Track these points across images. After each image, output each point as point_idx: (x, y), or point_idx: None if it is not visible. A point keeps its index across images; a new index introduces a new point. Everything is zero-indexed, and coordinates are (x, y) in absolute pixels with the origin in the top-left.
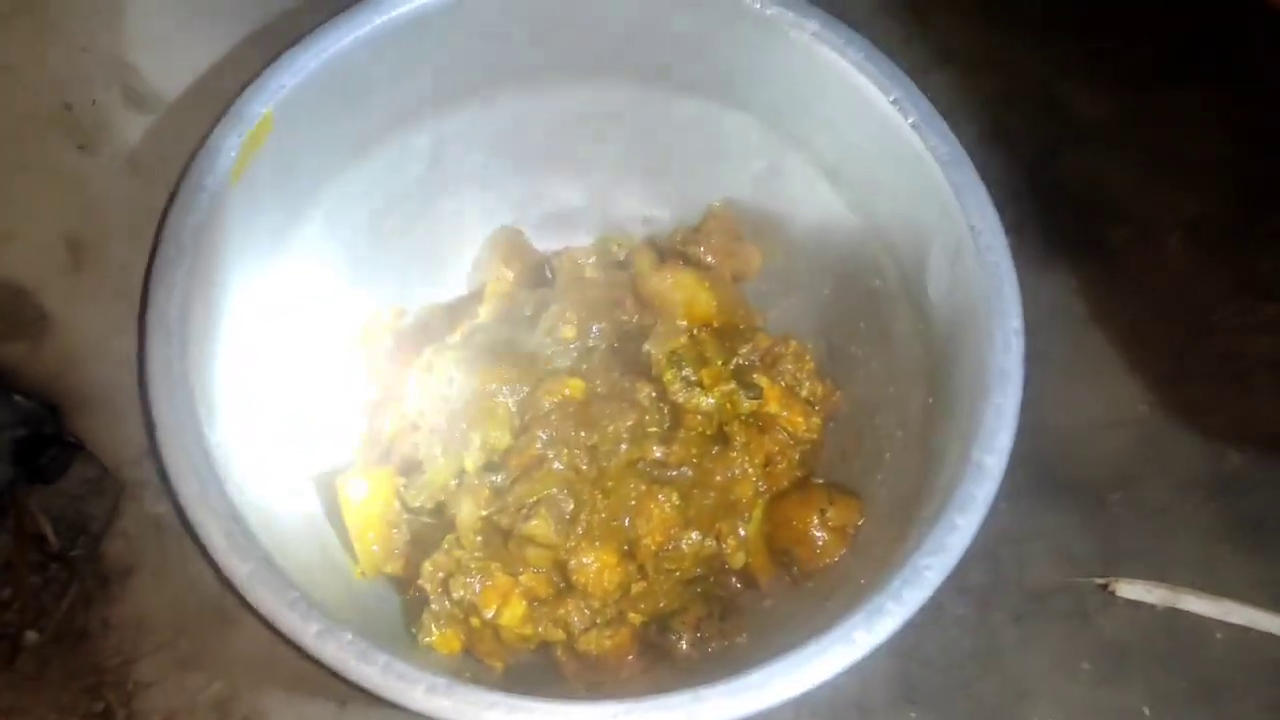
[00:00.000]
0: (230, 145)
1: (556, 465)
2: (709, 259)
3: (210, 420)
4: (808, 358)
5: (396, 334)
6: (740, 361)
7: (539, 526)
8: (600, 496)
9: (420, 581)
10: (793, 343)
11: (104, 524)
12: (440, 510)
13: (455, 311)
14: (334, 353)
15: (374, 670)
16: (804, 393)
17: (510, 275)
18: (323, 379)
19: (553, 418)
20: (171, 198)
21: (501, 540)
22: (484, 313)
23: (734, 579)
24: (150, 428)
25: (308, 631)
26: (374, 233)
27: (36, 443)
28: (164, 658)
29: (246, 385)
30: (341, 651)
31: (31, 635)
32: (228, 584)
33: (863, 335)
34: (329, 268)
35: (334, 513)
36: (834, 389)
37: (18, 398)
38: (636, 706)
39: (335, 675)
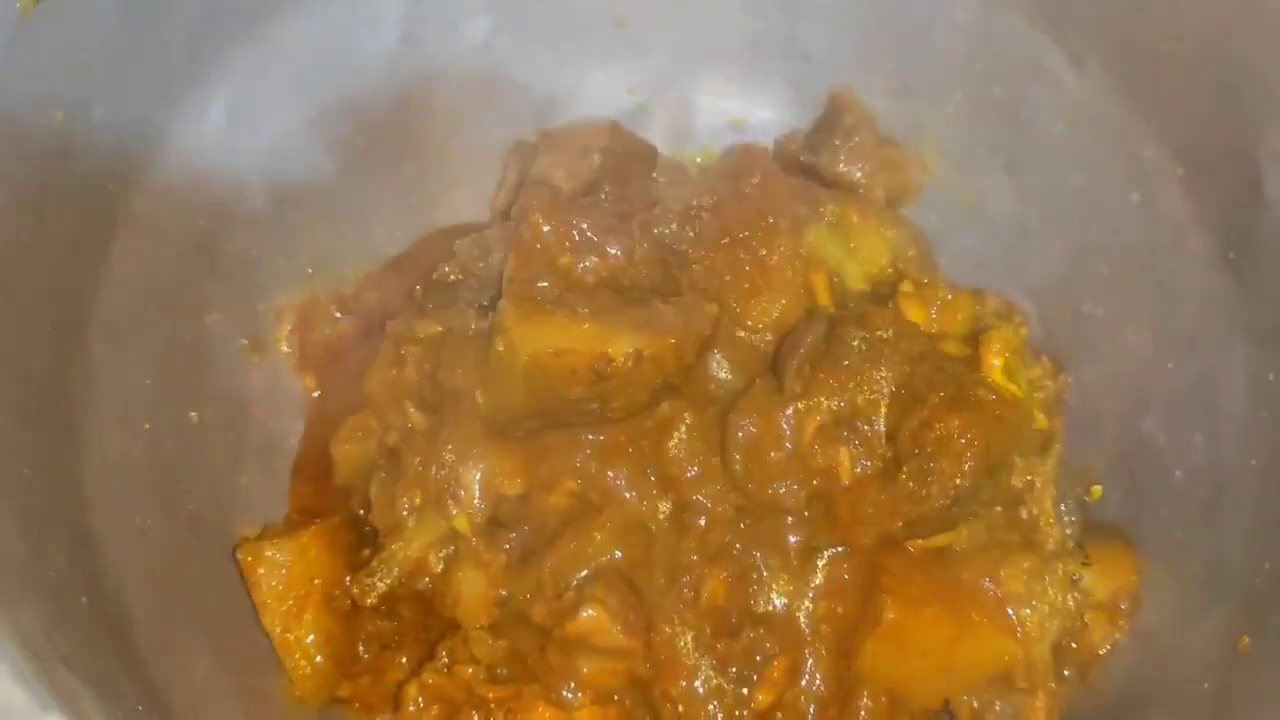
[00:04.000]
0: None
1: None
2: (854, 173)
3: None
4: (1018, 320)
5: (347, 312)
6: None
7: (597, 620)
8: (701, 562)
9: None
10: (991, 299)
11: None
12: (424, 603)
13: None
14: (250, 344)
15: None
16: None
17: (540, 219)
18: (229, 386)
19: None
20: None
21: (536, 644)
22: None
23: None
24: None
25: None
26: (315, 144)
27: None
28: None
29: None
30: None
31: None
32: None
33: (1108, 284)
34: (237, 203)
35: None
36: (1058, 368)
37: None
38: None
39: None
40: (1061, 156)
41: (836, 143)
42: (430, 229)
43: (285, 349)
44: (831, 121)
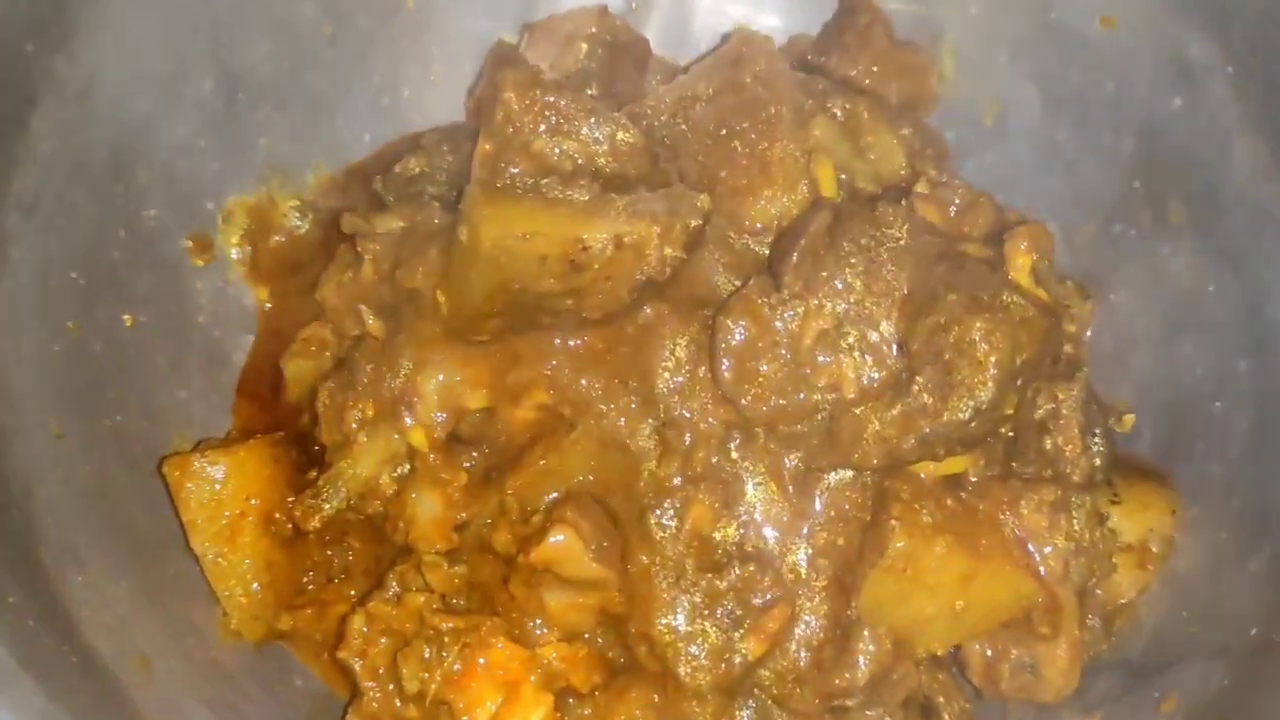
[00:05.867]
0: None
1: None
2: (865, 78)
3: None
4: (1045, 239)
5: (305, 217)
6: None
7: (566, 547)
8: (684, 485)
9: (342, 654)
10: (1012, 214)
11: None
12: (375, 533)
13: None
14: (195, 246)
15: None
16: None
17: (513, 98)
18: (169, 290)
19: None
20: None
21: (498, 574)
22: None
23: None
24: None
25: None
26: (273, 24)
27: None
28: None
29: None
30: None
31: None
32: None
33: (1142, 200)
34: (181, 82)
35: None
36: (1084, 294)
37: None
38: None
39: None
40: (1094, 61)
41: (847, 40)
42: (401, 134)
43: (235, 255)
44: (843, 22)
